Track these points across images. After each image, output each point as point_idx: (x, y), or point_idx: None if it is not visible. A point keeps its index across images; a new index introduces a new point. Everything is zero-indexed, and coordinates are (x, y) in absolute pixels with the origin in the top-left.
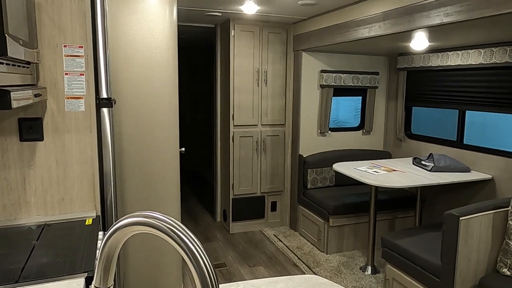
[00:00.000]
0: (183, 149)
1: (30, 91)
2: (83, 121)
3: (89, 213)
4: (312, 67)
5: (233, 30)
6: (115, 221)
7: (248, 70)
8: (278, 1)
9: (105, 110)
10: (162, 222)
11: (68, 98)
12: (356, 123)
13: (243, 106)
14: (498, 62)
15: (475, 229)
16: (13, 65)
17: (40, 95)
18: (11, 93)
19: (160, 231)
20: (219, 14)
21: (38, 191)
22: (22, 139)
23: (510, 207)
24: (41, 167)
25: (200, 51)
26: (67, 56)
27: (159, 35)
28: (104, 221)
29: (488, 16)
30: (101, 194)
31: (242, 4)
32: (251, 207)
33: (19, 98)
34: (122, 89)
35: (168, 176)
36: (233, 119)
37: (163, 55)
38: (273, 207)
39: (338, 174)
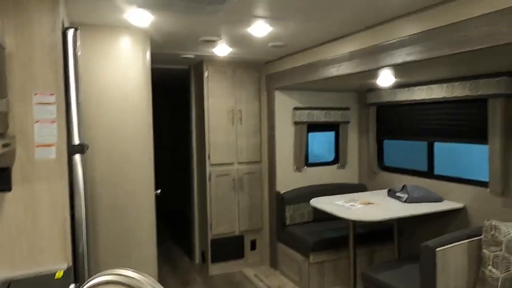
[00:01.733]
0: (159, 190)
1: None
2: (54, 169)
3: (60, 264)
4: (285, 105)
5: (206, 71)
6: (87, 272)
7: (222, 109)
8: (249, 43)
9: (77, 157)
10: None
11: (38, 146)
12: (331, 157)
13: (219, 145)
14: (460, 95)
15: (452, 259)
16: None
17: (9, 144)
18: None
19: None
20: (193, 56)
21: (4, 244)
22: None
23: (482, 236)
24: (8, 219)
25: (180, 91)
26: (38, 103)
27: (133, 78)
28: (76, 271)
29: (445, 55)
30: (73, 242)
31: (214, 47)
32: (230, 247)
33: None
34: (96, 133)
35: (143, 219)
36: (209, 158)
37: (137, 98)
38: (253, 246)
39: (316, 209)
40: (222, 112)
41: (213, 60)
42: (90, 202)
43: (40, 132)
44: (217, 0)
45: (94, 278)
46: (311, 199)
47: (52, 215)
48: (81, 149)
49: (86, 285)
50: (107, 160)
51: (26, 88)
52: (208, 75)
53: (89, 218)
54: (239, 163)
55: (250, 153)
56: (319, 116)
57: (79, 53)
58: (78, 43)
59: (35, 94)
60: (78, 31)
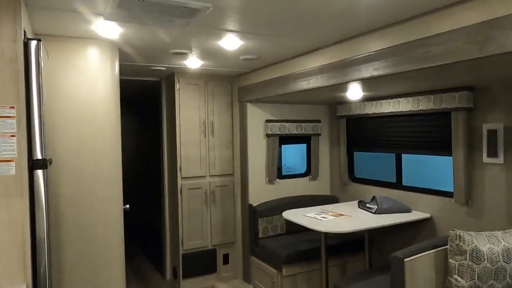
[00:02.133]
0: (128, 206)
1: None
2: (13, 185)
3: (19, 286)
4: (257, 117)
5: (178, 84)
6: None
7: (194, 121)
8: (220, 56)
9: (39, 172)
10: None
11: None
12: (303, 169)
13: (190, 158)
14: (425, 109)
15: (420, 269)
16: None
17: None
18: None
19: None
20: (164, 68)
21: None
22: None
23: (448, 245)
24: None
25: (152, 103)
26: None
27: (101, 90)
28: None
29: (410, 70)
30: (34, 264)
31: (186, 60)
32: (203, 262)
33: None
34: (60, 147)
35: (111, 236)
36: (180, 171)
37: (105, 110)
38: (225, 259)
39: (289, 221)
40: (194, 124)
41: (184, 72)
42: (53, 220)
43: None
44: (187, 14)
45: None
46: (283, 211)
47: (11, 235)
48: (43, 164)
49: None
50: (73, 174)
51: None
52: (179, 87)
53: (52, 237)
54: (211, 176)
55: (222, 166)
56: (291, 129)
57: (42, 65)
58: (41, 55)
59: None
60: (41, 43)
